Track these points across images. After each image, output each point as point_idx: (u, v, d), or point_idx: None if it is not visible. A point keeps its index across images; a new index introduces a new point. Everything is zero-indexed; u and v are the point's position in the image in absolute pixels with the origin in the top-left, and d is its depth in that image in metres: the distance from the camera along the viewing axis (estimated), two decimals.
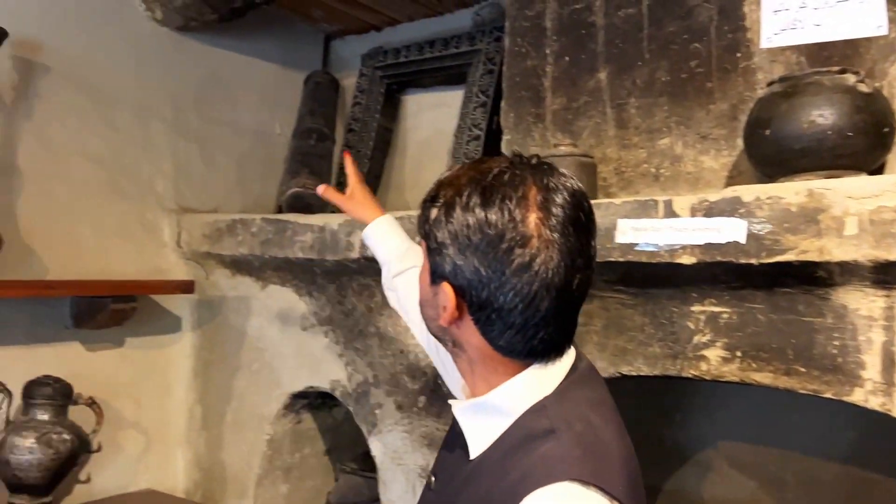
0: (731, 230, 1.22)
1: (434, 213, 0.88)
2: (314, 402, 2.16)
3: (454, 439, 1.00)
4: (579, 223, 0.86)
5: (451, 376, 1.14)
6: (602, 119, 1.64)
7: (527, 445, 0.88)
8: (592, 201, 1.39)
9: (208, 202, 2.36)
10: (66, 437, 1.79)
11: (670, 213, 1.29)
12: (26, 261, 1.93)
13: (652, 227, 1.31)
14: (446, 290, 0.88)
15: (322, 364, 1.99)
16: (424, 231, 0.91)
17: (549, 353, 0.90)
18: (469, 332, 0.90)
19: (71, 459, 1.80)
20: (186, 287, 2.03)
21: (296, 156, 2.25)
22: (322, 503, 2.29)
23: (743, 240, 1.20)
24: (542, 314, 0.85)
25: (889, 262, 1.10)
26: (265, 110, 2.53)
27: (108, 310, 1.91)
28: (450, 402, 1.00)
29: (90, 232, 2.06)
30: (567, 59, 1.69)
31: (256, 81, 2.50)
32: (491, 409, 0.92)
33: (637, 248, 1.31)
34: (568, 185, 0.87)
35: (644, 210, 1.32)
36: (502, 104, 1.79)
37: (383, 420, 1.85)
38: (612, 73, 1.63)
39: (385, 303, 1.89)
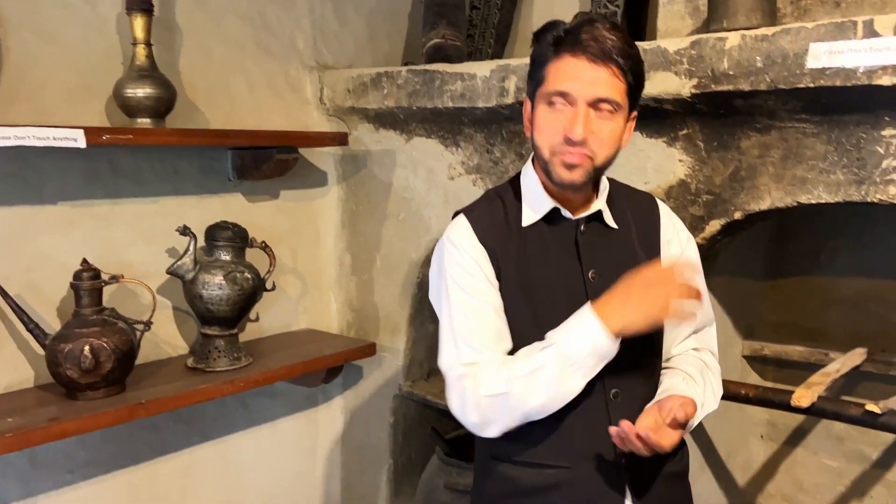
0: None
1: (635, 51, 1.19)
2: None
3: (572, 241, 1.32)
4: None
5: None
6: None
7: (626, 196, 1.37)
8: (776, 27, 1.38)
9: (343, 59, 2.40)
10: (248, 275, 1.96)
11: (871, 33, 1.26)
12: (191, 115, 2.04)
13: (850, 48, 1.29)
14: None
15: None
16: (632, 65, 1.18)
17: None
18: None
19: (252, 296, 1.98)
20: (342, 139, 2.13)
21: (431, 7, 2.24)
22: None
23: None
24: None
25: None
26: None
27: (272, 160, 2.02)
28: (575, 216, 1.31)
29: (245, 88, 2.15)
30: None
31: None
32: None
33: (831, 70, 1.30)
34: None
35: (841, 32, 1.30)
36: None
37: None
38: None
39: None
